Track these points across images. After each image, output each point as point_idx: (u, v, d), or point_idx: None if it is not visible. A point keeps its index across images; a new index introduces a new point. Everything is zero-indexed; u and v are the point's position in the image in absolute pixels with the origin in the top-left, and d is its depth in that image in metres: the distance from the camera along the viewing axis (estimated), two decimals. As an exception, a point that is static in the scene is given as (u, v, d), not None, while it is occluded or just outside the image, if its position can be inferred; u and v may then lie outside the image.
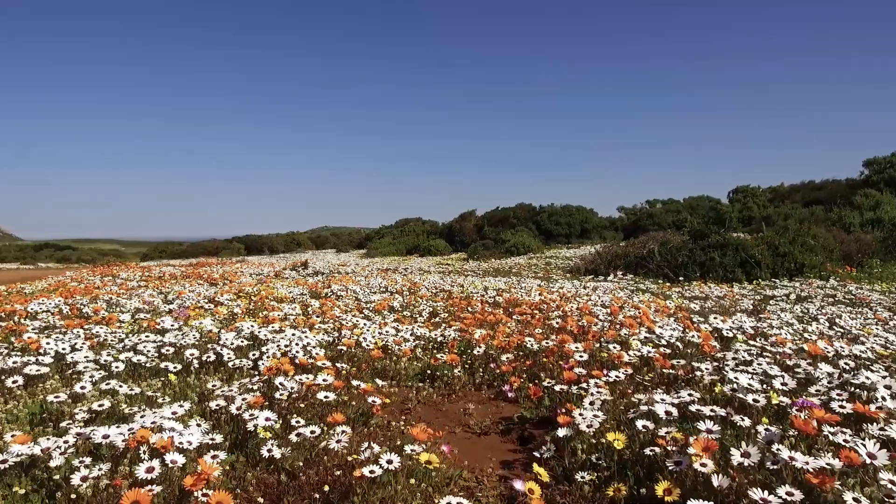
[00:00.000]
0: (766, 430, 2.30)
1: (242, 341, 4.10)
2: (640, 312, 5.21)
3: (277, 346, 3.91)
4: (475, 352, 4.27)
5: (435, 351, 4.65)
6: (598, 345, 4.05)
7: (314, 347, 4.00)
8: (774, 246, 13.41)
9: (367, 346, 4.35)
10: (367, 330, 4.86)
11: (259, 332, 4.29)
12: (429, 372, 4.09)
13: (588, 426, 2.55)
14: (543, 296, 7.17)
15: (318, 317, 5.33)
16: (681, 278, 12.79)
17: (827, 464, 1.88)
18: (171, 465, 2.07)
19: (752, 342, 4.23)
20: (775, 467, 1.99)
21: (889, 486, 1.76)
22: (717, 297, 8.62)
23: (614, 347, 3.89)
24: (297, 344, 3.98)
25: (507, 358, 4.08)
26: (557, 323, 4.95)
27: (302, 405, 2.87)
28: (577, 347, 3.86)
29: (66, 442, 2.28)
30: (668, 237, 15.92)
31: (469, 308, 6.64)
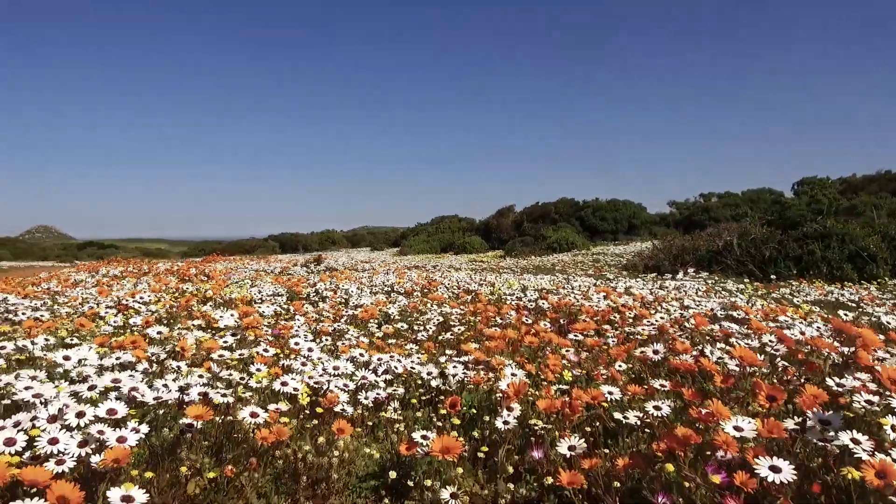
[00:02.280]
0: None
1: None
2: (805, 335, 2.84)
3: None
4: (498, 422, 2.01)
5: (422, 409, 2.43)
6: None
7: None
8: (892, 237, 10.62)
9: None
10: (310, 362, 2.67)
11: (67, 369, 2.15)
12: (395, 475, 1.87)
13: None
14: (612, 299, 4.83)
15: (233, 335, 3.17)
16: (772, 276, 10.17)
17: None
18: None
19: None
20: None
21: None
22: (853, 302, 6.09)
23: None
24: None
25: (570, 446, 1.82)
26: (657, 352, 2.64)
27: None
28: (741, 423, 1.57)
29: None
30: (746, 227, 13.23)
31: (498, 317, 4.38)
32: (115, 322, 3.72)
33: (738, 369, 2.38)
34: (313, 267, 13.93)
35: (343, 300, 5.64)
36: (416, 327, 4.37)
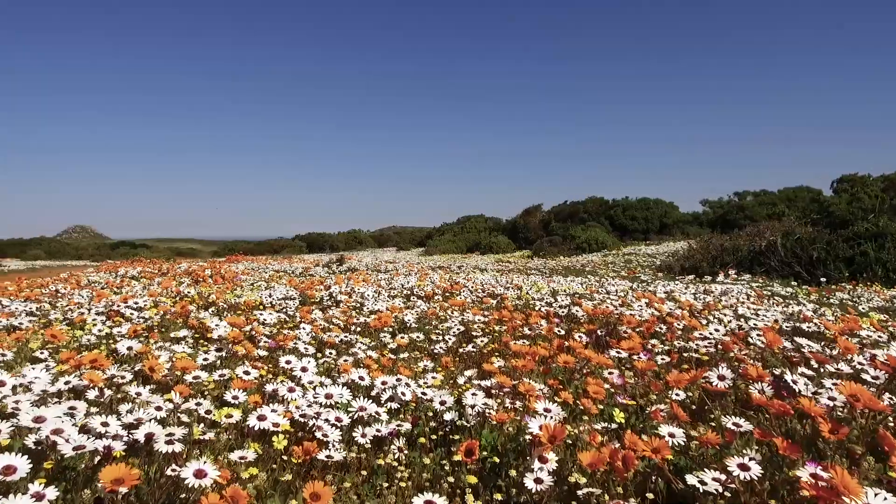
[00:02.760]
0: None
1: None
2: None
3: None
4: (528, 480, 1.52)
5: (433, 451, 1.95)
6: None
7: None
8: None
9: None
10: (300, 387, 2.22)
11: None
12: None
13: None
14: (657, 307, 4.28)
15: (218, 350, 2.73)
16: (822, 279, 9.41)
17: None
18: None
19: None
20: None
21: None
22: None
23: None
24: None
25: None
26: (723, 377, 2.10)
27: None
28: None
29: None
30: (791, 226, 12.43)
31: (526, 327, 3.88)
32: (98, 331, 3.33)
33: (835, 405, 1.85)
34: (335, 268, 13.57)
35: (357, 305, 5.21)
36: (433, 337, 3.90)
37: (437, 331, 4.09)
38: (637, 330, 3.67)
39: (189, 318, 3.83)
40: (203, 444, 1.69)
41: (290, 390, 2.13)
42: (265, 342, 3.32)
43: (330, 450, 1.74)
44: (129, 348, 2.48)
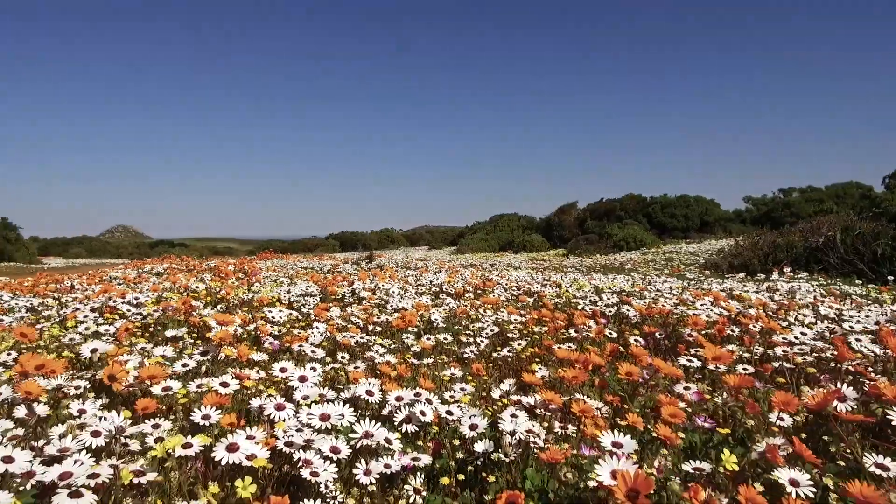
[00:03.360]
0: None
1: None
2: None
3: None
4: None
5: (460, 496, 1.45)
6: None
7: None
8: None
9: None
10: (291, 404, 1.76)
11: None
12: None
13: None
14: (724, 306, 3.69)
15: (203, 355, 2.30)
16: (889, 276, 8.56)
17: None
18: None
19: None
20: None
21: None
22: None
23: None
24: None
25: None
26: (844, 399, 1.56)
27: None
28: None
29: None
30: (852, 221, 11.50)
31: (571, 329, 3.35)
32: (84, 330, 2.94)
33: None
34: (364, 265, 13.20)
35: (381, 302, 4.75)
36: (463, 339, 3.40)
37: (467, 332, 3.59)
38: (703, 332, 3.10)
39: (191, 316, 3.42)
40: (141, 489, 1.23)
41: (279, 408, 1.67)
42: (270, 343, 2.88)
43: (317, 500, 1.26)
44: (94, 350, 2.05)
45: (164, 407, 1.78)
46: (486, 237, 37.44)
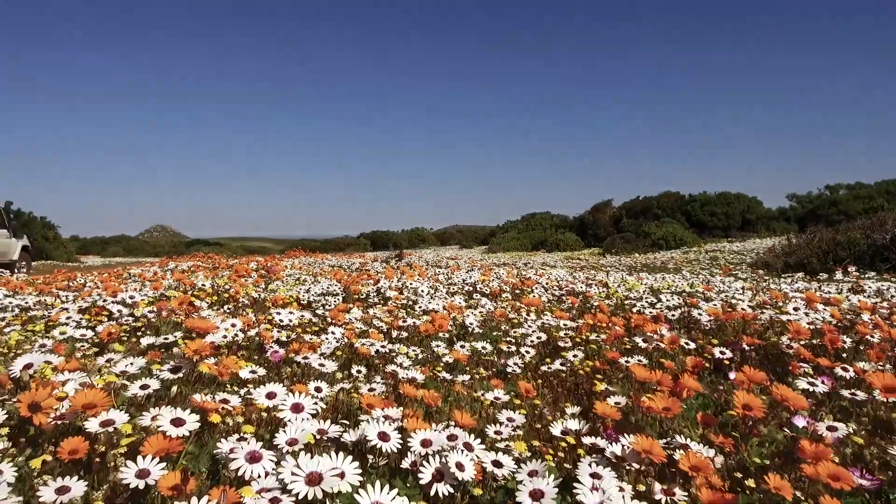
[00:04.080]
0: None
1: None
2: None
3: None
4: None
5: None
6: None
7: None
8: None
9: None
10: (273, 451, 1.23)
11: None
12: None
13: None
14: (825, 309, 3.04)
15: (172, 371, 1.80)
16: (975, 279, 7.66)
17: None
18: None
19: None
20: None
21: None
22: None
23: None
24: None
25: None
26: None
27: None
28: None
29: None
30: (923, 216, 10.54)
31: (638, 336, 2.75)
32: (59, 334, 2.49)
33: None
34: (393, 263, 12.74)
35: (409, 303, 4.22)
36: (504, 347, 2.84)
37: (508, 339, 3.03)
38: (803, 343, 2.48)
39: (191, 318, 2.95)
40: None
41: (252, 458, 1.14)
42: (273, 352, 2.38)
43: None
44: (27, 367, 1.57)
45: (101, 447, 1.28)
46: (517, 236, 36.71)
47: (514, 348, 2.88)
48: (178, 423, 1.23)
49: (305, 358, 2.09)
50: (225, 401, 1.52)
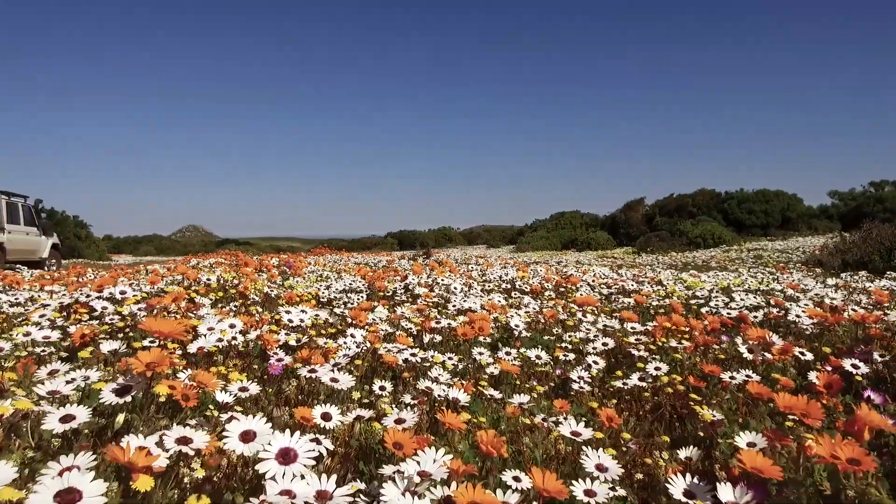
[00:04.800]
0: None
1: None
2: None
3: None
4: None
5: None
6: None
7: None
8: None
9: None
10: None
11: None
12: None
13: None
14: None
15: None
16: None
17: None
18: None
19: None
20: None
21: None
22: None
23: None
24: None
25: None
26: None
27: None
28: None
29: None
30: None
31: (743, 345, 2.17)
32: (23, 337, 2.04)
33: None
34: (421, 261, 12.25)
35: (441, 301, 3.70)
36: (560, 355, 2.30)
37: (563, 344, 2.49)
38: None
39: (187, 316, 2.48)
40: None
41: None
42: (276, 361, 1.88)
43: None
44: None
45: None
46: (546, 235, 35.91)
47: (571, 356, 2.34)
48: (68, 500, 0.72)
49: (312, 371, 1.58)
50: (185, 440, 1.02)
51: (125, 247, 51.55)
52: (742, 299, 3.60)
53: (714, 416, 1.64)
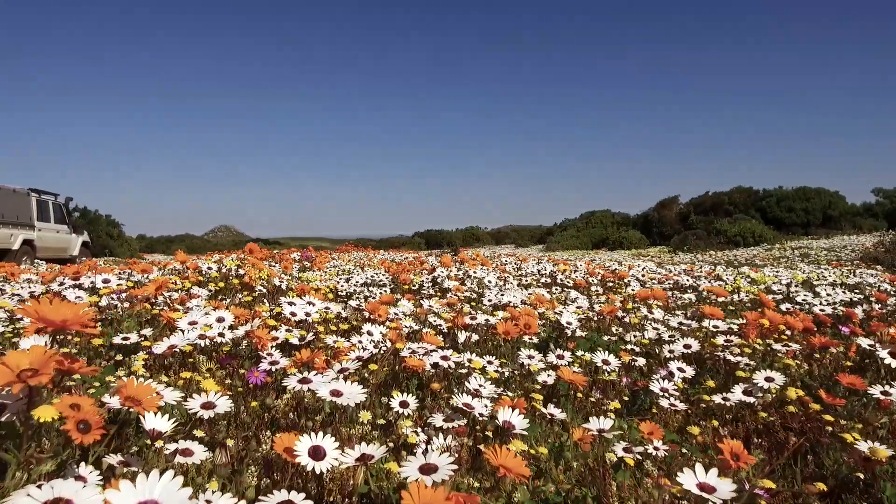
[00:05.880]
0: None
1: None
2: None
3: None
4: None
5: None
6: None
7: None
8: None
9: None
10: None
11: None
12: None
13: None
14: None
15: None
16: None
17: None
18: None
19: None
20: None
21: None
22: None
23: None
24: None
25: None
26: None
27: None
28: None
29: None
30: None
31: (883, 349, 1.65)
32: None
33: None
34: (453, 257, 11.79)
35: (474, 295, 3.23)
36: (627, 359, 1.81)
37: (629, 346, 2.00)
38: None
39: (165, 311, 2.07)
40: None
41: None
42: (270, 362, 1.45)
43: None
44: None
45: None
46: (577, 234, 35.12)
47: (641, 361, 1.85)
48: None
49: (304, 381, 1.13)
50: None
51: (158, 246, 52.32)
52: (829, 294, 3.04)
53: (868, 446, 1.14)
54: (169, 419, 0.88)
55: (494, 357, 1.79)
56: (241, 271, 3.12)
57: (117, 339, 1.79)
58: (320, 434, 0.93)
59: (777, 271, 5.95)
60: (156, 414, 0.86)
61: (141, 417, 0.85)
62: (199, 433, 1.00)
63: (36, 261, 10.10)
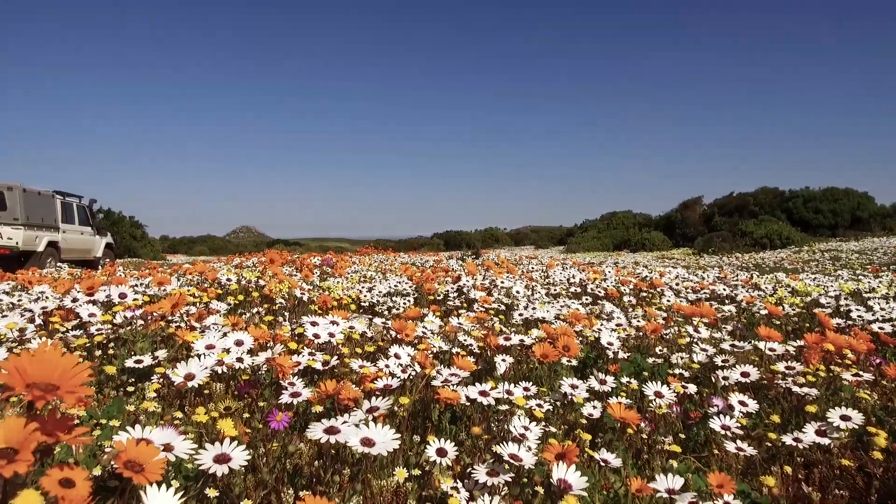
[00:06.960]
0: None
1: None
2: None
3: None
4: None
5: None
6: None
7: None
8: None
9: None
10: None
11: None
12: None
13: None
14: None
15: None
16: None
17: None
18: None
19: None
20: None
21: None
22: None
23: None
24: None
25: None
26: None
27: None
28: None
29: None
30: None
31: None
32: None
33: None
34: (472, 260, 11.64)
35: (503, 307, 3.09)
36: (677, 387, 1.65)
37: (678, 370, 1.84)
38: None
39: (184, 328, 1.96)
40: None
41: None
42: (291, 394, 1.33)
43: None
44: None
45: None
46: (598, 235, 34.69)
47: (692, 388, 1.69)
48: None
49: (331, 430, 0.99)
50: None
51: (180, 247, 52.96)
52: (883, 308, 2.84)
53: None
54: (175, 492, 0.75)
55: (531, 382, 1.65)
56: (262, 282, 3.01)
57: (130, 363, 1.68)
58: (356, 488, 0.79)
59: (815, 278, 5.70)
60: (160, 486, 0.74)
61: (142, 494, 0.73)
62: (211, 493, 0.87)
63: (59, 264, 10.19)
